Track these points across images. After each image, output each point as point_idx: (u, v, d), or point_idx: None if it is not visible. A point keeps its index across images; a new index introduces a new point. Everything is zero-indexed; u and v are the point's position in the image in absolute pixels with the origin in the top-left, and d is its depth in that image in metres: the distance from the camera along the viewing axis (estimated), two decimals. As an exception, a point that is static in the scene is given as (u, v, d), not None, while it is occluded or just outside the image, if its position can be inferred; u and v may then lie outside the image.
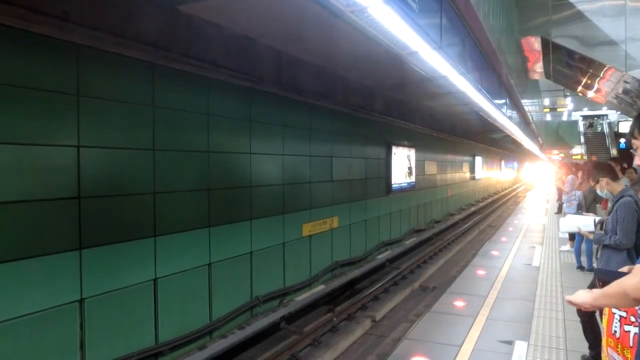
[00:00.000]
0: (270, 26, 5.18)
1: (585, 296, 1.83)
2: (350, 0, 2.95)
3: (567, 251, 8.75)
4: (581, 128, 40.26)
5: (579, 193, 7.56)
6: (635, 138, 1.85)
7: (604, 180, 3.79)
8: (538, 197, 24.19)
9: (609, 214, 3.69)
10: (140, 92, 4.71)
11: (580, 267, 7.34)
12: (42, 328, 3.79)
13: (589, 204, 6.99)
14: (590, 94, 14.47)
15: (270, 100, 6.63)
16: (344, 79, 8.13)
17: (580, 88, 14.20)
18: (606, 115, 39.96)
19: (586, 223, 4.13)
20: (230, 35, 5.40)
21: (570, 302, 1.90)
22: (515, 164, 43.34)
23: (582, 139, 38.50)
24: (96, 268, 4.22)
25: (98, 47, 4.18)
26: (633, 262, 3.31)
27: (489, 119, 11.24)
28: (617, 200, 3.57)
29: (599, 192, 3.93)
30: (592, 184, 4.01)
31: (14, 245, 3.62)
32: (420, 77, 6.04)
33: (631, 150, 1.90)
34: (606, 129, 37.81)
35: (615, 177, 3.84)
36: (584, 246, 7.31)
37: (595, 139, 36.76)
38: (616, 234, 3.47)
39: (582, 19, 9.32)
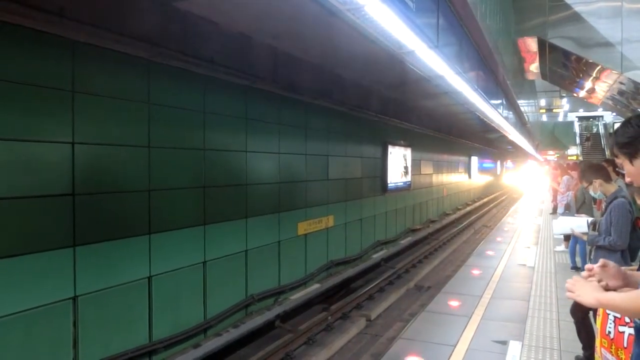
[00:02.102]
0: (267, 24, 5.16)
1: (589, 297, 1.68)
2: (347, -1, 2.94)
3: (562, 251, 8.78)
4: (577, 129, 40.44)
5: (569, 194, 7.58)
6: (616, 156, 1.77)
7: (597, 182, 3.79)
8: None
9: (602, 215, 3.70)
10: (136, 89, 4.69)
11: (575, 268, 7.36)
12: (35, 325, 3.77)
13: (579, 205, 6.98)
14: (586, 95, 14.52)
15: (266, 99, 6.61)
16: (340, 78, 8.11)
17: (576, 89, 14.26)
18: (602, 116, 40.17)
19: (579, 224, 4.13)
20: (227, 32, 5.37)
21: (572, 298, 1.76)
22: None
23: (578, 140, 38.69)
24: (90, 265, 4.20)
25: (93, 43, 4.15)
26: (627, 263, 3.33)
27: (486, 119, 11.26)
28: (611, 202, 3.57)
29: (591, 193, 3.93)
30: (585, 184, 4.00)
31: (7, 242, 3.59)
32: (417, 76, 6.04)
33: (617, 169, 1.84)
34: (602, 130, 38.01)
35: (608, 179, 3.85)
36: (578, 247, 7.34)
37: (592, 146, 36.78)
38: (610, 235, 3.48)
39: (579, 20, 9.36)
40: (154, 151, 4.86)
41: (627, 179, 1.77)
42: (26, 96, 3.72)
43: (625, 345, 2.35)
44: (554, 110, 39.27)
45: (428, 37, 4.04)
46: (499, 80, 10.31)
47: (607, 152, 32.81)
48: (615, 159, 1.78)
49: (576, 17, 9.32)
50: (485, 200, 26.42)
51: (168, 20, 4.86)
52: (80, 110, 4.09)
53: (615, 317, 2.48)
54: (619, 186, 3.84)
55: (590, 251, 3.82)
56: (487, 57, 7.98)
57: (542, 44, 10.57)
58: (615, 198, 3.56)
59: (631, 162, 1.68)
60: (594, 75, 10.53)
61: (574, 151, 38.31)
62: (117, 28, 4.30)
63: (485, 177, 28.52)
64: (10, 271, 3.60)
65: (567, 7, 9.39)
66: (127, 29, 4.40)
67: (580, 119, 42.44)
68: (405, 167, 12.47)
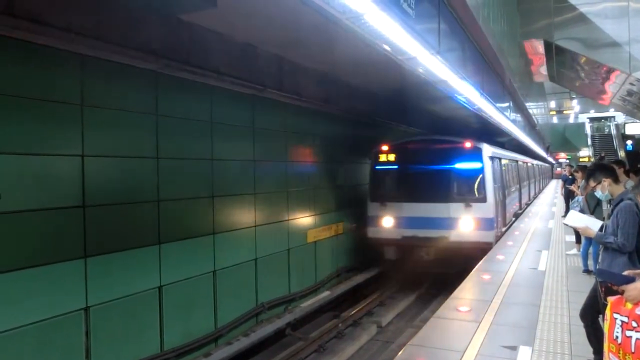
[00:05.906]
0: (272, 33, 5.23)
1: None
2: (345, 8, 2.97)
3: (574, 255, 8.67)
4: (588, 130, 39.99)
5: (580, 198, 7.43)
6: None
7: (606, 181, 3.74)
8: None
9: (608, 218, 3.65)
10: (144, 101, 4.77)
11: (587, 271, 7.26)
12: (48, 336, 3.83)
13: (592, 209, 6.83)
14: (595, 96, 14.39)
15: (273, 107, 6.66)
16: (346, 84, 8.15)
17: (584, 89, 14.14)
18: (613, 117, 39.67)
19: (594, 223, 4.05)
20: (232, 42, 5.45)
21: None
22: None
23: (590, 141, 38.19)
24: (101, 276, 4.25)
25: (101, 56, 4.24)
26: (635, 266, 3.29)
27: (493, 122, 11.20)
28: (617, 204, 3.54)
29: (598, 193, 3.87)
30: (593, 184, 3.95)
31: (20, 254, 3.66)
32: (420, 81, 6.04)
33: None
34: (613, 131, 37.50)
35: (617, 180, 3.80)
36: (591, 249, 7.23)
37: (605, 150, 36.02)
38: (617, 237, 3.44)
39: (585, 21, 9.29)
40: (163, 162, 4.92)
41: None
42: (36, 111, 3.80)
43: (632, 350, 2.32)
44: (565, 112, 38.90)
45: (429, 43, 4.05)
46: (505, 83, 10.27)
47: (621, 153, 32.32)
48: None
49: (582, 18, 9.26)
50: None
51: (174, 32, 4.94)
52: (89, 123, 4.17)
53: (622, 321, 2.46)
54: (625, 188, 3.80)
55: (599, 254, 3.78)
56: (491, 60, 7.95)
57: (548, 46, 10.51)
58: (622, 200, 3.53)
59: None
60: (602, 76, 10.44)
61: (585, 152, 37.86)
62: (124, 41, 4.39)
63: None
64: (23, 283, 3.66)
65: (573, 8, 9.34)
66: (134, 42, 4.48)
67: (592, 119, 41.99)
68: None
